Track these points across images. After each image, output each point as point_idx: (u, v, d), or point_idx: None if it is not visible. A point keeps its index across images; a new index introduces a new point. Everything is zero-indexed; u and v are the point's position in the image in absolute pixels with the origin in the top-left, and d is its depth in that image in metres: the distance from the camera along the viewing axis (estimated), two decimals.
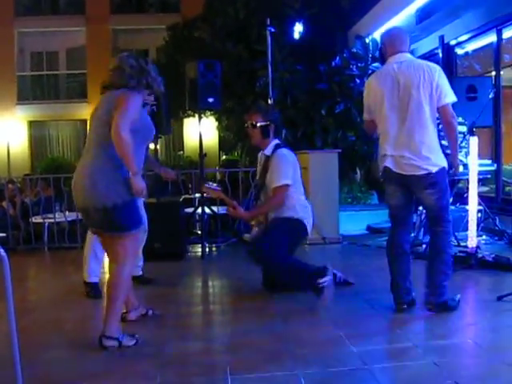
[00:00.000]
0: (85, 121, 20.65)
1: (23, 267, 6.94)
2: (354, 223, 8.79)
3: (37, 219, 8.47)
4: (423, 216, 6.97)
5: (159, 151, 7.81)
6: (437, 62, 4.75)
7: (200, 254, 7.11)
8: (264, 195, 5.03)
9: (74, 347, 3.88)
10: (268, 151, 4.93)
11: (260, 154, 5.16)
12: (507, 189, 8.31)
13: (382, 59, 4.38)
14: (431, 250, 4.33)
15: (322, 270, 4.52)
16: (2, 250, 2.86)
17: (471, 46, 9.19)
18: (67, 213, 8.15)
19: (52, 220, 8.17)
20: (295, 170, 4.91)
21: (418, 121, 4.05)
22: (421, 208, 7.26)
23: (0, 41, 20.82)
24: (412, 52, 10.47)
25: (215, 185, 5.11)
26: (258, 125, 4.89)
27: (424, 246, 6.46)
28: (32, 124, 22.02)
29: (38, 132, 22.31)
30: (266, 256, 4.62)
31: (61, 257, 7.44)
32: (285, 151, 4.89)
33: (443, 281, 4.20)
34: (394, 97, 4.11)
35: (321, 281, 4.44)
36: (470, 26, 8.53)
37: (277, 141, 5.00)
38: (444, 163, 4.14)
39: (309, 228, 4.96)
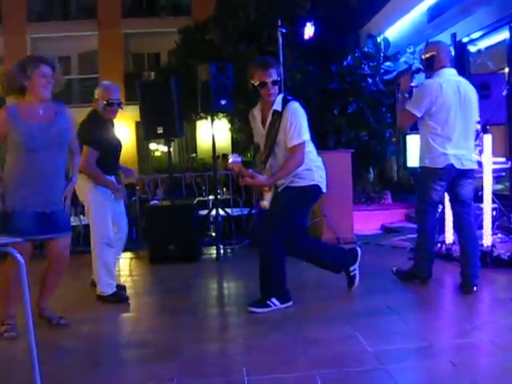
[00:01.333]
0: None
1: (38, 271, 6.98)
2: (367, 223, 8.78)
3: None
4: None
5: (172, 153, 7.86)
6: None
7: (215, 255, 7.14)
8: (274, 157, 4.59)
9: (89, 350, 3.92)
10: (277, 106, 4.46)
11: (254, 112, 4.68)
12: None
13: (430, 66, 4.99)
14: (467, 238, 4.93)
15: (286, 296, 4.59)
16: (19, 255, 2.90)
17: (484, 44, 9.14)
18: (82, 217, 8.20)
19: None
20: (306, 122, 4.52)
21: (472, 128, 4.98)
22: None
23: (13, 47, 20.98)
24: None
25: (234, 156, 4.54)
26: (278, 79, 4.50)
27: None
28: None
29: None
30: (260, 244, 4.59)
31: (75, 260, 7.49)
32: (296, 104, 4.47)
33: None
34: (457, 106, 4.79)
35: (274, 301, 4.51)
36: (483, 23, 8.49)
37: (282, 94, 4.59)
38: None
39: (323, 187, 4.68)
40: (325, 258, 4.93)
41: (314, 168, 4.57)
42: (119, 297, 5.08)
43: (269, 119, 4.53)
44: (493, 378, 3.15)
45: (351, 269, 4.99)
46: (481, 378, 3.09)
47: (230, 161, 4.46)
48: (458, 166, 4.81)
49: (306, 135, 4.44)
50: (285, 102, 4.46)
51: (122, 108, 5.30)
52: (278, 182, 4.58)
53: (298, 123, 4.38)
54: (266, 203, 4.57)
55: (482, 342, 3.71)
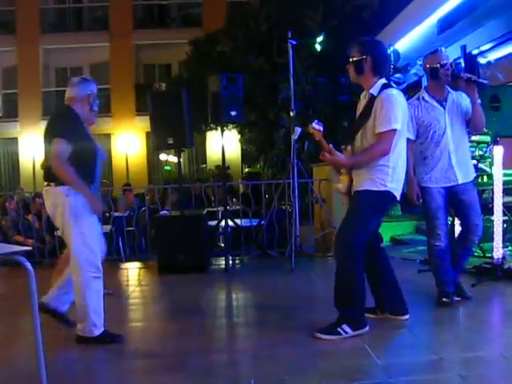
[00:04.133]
0: (108, 135, 20.86)
1: (48, 280, 6.98)
2: None
3: None
4: None
5: (182, 164, 7.84)
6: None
7: (223, 266, 7.12)
8: (361, 143, 4.28)
9: (98, 360, 3.91)
10: (374, 90, 4.17)
11: (362, 95, 4.42)
12: None
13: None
14: None
15: (360, 322, 4.11)
16: (28, 264, 2.90)
17: (494, 55, 9.11)
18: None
19: None
20: (404, 115, 4.17)
21: None
22: None
23: (26, 58, 21.17)
24: None
25: (317, 122, 4.17)
26: (350, 60, 4.20)
27: None
28: None
29: None
30: (336, 257, 4.29)
31: None
32: (394, 91, 4.12)
33: None
34: None
35: (346, 328, 4.03)
36: (493, 35, 8.47)
37: (384, 80, 4.22)
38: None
39: (398, 194, 4.15)
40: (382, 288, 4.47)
41: (391, 171, 4.09)
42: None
43: (364, 102, 4.32)
44: None
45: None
46: None
47: (312, 125, 4.12)
48: None
49: (398, 125, 4.03)
50: (384, 87, 4.15)
51: None
52: (354, 179, 4.26)
53: (389, 110, 4.03)
54: (340, 186, 4.33)
55: (492, 355, 3.66)
